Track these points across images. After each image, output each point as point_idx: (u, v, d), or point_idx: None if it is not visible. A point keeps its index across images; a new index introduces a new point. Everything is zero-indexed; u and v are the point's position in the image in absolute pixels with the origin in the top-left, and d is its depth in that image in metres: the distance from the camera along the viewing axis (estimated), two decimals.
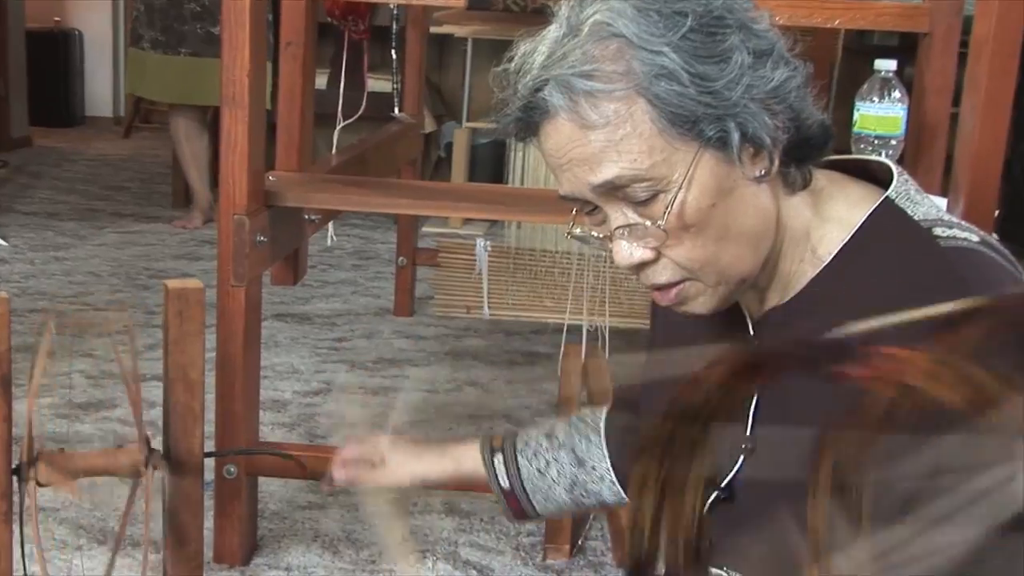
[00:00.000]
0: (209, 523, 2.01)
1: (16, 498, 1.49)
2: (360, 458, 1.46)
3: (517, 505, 1.36)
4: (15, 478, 1.48)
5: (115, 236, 4.72)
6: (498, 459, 1.38)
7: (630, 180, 0.94)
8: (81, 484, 1.84)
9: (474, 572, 2.10)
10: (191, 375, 1.57)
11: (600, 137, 0.93)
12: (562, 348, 2.81)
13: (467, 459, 1.39)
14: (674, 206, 0.94)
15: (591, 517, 2.25)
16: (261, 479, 2.22)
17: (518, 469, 1.35)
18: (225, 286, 1.98)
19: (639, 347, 1.48)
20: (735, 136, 0.94)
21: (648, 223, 0.95)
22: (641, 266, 0.98)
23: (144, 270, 4.20)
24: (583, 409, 1.43)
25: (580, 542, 2.22)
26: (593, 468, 1.35)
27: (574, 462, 1.35)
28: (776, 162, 0.97)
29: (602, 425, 1.37)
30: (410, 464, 1.41)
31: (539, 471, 1.36)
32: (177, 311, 1.56)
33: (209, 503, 2.04)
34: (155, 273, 4.15)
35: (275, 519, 2.29)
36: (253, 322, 2.05)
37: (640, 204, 0.95)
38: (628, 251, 0.97)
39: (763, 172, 0.97)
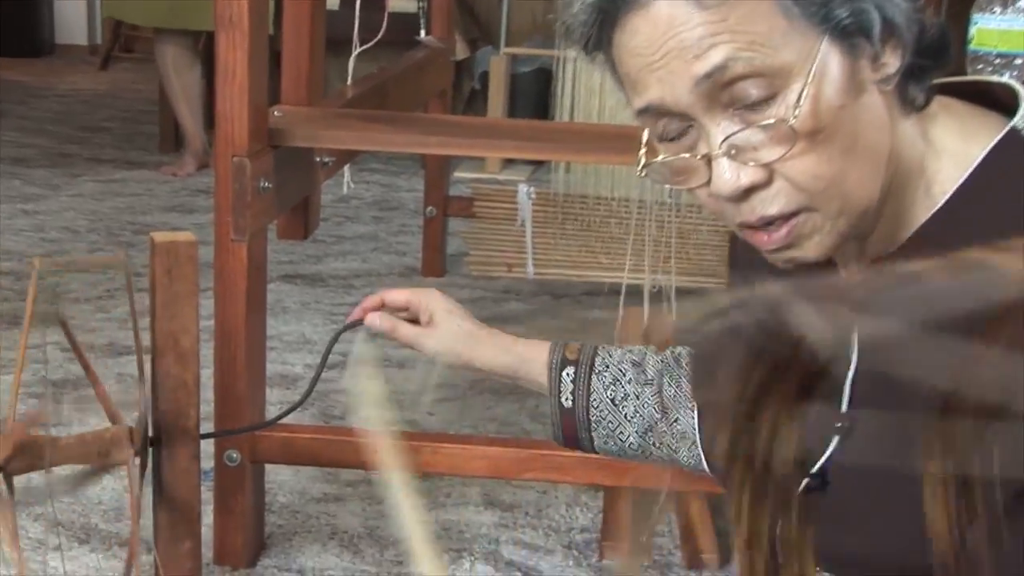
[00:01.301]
0: (209, 519, 2.03)
1: None
2: (406, 306, 1.43)
3: (572, 429, 1.35)
4: None
5: (93, 185, 4.76)
6: (568, 372, 1.36)
7: (744, 71, 0.91)
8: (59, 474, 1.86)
9: (518, 574, 2.11)
10: (183, 343, 1.59)
11: (710, 18, 0.90)
12: (620, 312, 2.81)
13: (531, 359, 1.37)
14: (805, 102, 0.91)
15: (656, 510, 2.25)
16: (268, 467, 2.24)
17: (588, 391, 1.34)
18: (224, 241, 2.00)
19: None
20: (874, 16, 0.93)
21: (765, 128, 0.92)
22: (748, 194, 0.95)
23: (128, 224, 4.23)
24: (681, 348, 1.40)
25: (644, 539, 2.23)
26: (676, 421, 1.34)
27: (658, 406, 1.34)
28: (905, 60, 0.95)
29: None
30: (463, 340, 1.38)
31: (612, 401, 1.34)
32: (165, 269, 1.57)
33: (208, 496, 2.06)
34: (141, 228, 4.18)
35: (285, 513, 2.31)
36: (257, 283, 2.07)
37: (751, 108, 0.92)
38: (734, 173, 0.94)
39: (889, 75, 0.95)
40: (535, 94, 4.97)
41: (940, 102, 1.02)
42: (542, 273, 3.32)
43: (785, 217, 0.95)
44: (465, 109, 5.17)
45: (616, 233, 3.27)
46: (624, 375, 1.35)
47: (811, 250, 0.98)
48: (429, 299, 1.44)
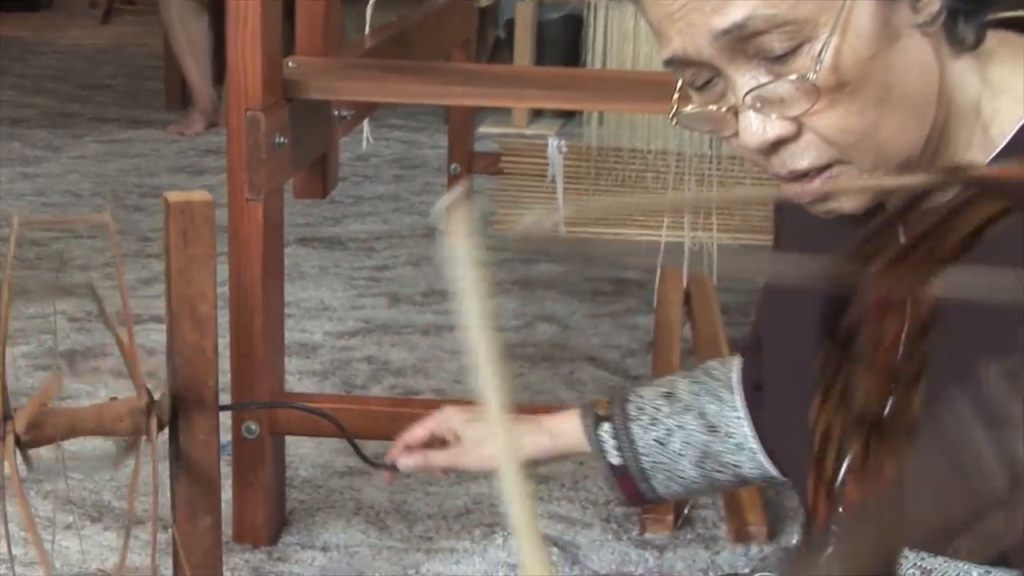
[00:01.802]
0: (227, 495, 2.05)
1: None
2: (428, 438, 1.50)
3: (631, 487, 1.37)
4: None
5: (97, 146, 4.78)
6: (605, 430, 1.38)
7: (766, 24, 0.91)
8: (68, 449, 1.88)
9: (555, 549, 2.13)
10: (201, 309, 1.60)
11: None
12: (658, 273, 2.82)
13: (566, 431, 1.41)
14: (826, 55, 0.91)
15: None
16: (289, 440, 2.26)
17: (631, 441, 1.36)
18: (238, 201, 2.01)
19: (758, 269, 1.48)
20: None
21: (790, 82, 0.93)
22: (776, 147, 0.96)
23: (135, 187, 4.26)
24: (709, 362, 1.43)
25: (686, 511, 2.24)
26: (729, 435, 1.35)
27: (704, 428, 1.35)
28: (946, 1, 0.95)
29: (735, 379, 1.37)
30: (492, 441, 1.41)
31: (658, 442, 1.35)
32: (180, 231, 1.58)
33: (226, 471, 2.08)
34: (148, 191, 4.21)
35: (307, 488, 2.33)
36: (274, 246, 2.08)
37: (776, 61, 0.93)
38: (760, 126, 0.95)
39: (931, 17, 0.95)
40: (564, 43, 4.97)
41: (1000, 38, 1.02)
42: (575, 232, 3.32)
43: (817, 170, 0.96)
44: (489, 60, 5.16)
45: (653, 188, 3.28)
46: (660, 411, 1.36)
47: (847, 203, 0.99)
48: (446, 420, 1.50)
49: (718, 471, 1.36)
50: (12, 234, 1.53)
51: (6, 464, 1.50)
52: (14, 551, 1.68)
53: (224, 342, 2.07)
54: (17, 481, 1.48)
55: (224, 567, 1.82)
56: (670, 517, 2.19)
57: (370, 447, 2.45)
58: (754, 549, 2.14)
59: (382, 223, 3.99)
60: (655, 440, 1.35)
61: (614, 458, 1.36)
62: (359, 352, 2.94)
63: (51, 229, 3.72)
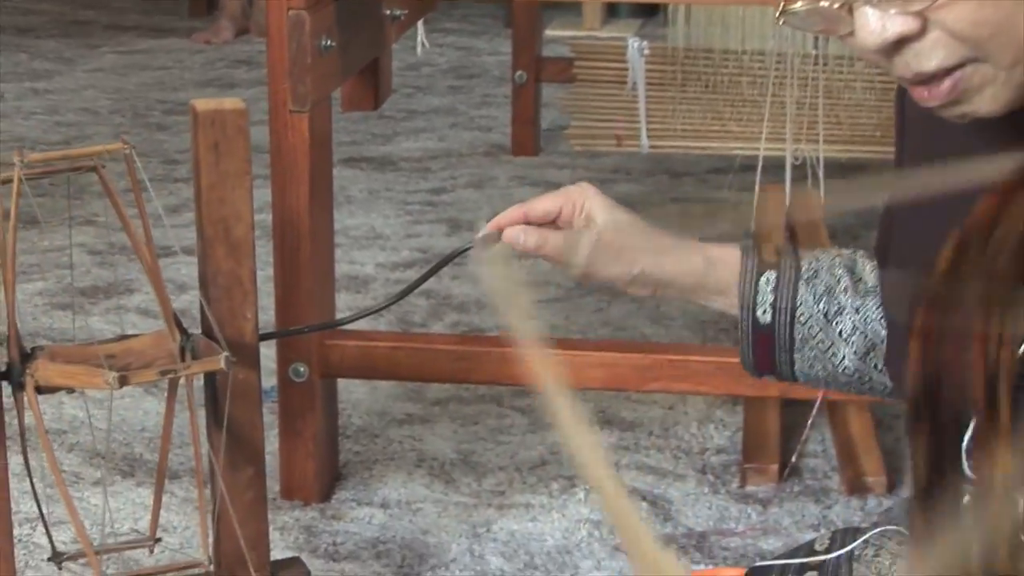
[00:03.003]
0: (273, 446, 2.06)
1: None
2: (554, 216, 1.37)
3: (767, 352, 1.33)
4: (6, 385, 1.53)
5: (115, 58, 4.80)
6: (767, 279, 1.32)
7: None
8: (93, 397, 1.90)
9: (643, 504, 2.12)
10: (236, 232, 1.59)
11: None
12: (756, 190, 2.79)
13: (721, 262, 1.33)
14: None
15: (808, 427, 2.25)
16: (341, 384, 2.27)
17: (793, 302, 1.31)
18: (280, 113, 2.00)
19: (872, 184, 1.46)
20: None
21: None
22: (899, 46, 0.95)
23: (158, 104, 4.27)
24: None
25: (793, 460, 2.23)
26: None
27: (883, 320, 1.30)
28: None
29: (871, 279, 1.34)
30: (634, 241, 1.32)
31: (825, 316, 1.32)
32: (211, 143, 1.58)
33: (272, 420, 2.09)
34: (173, 107, 4.22)
35: (363, 438, 2.34)
36: (322, 164, 2.08)
37: None
38: (880, 23, 0.94)
39: None
40: None
41: None
42: (658, 146, 3.30)
43: (946, 71, 0.95)
44: None
45: (749, 95, 3.24)
46: (839, 283, 1.31)
47: (984, 104, 0.97)
48: (584, 197, 1.37)
49: (878, 370, 1.32)
50: (16, 177, 1.52)
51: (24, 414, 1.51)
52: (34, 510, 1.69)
53: (267, 275, 2.08)
54: (43, 430, 1.49)
55: (272, 526, 1.83)
56: (775, 467, 2.18)
57: (431, 391, 2.47)
58: (871, 502, 2.12)
59: (438, 140, 3.98)
60: (822, 312, 1.31)
61: (764, 313, 1.32)
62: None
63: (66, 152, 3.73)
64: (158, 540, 1.60)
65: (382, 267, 3.04)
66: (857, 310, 1.31)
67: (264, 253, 2.05)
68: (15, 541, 1.61)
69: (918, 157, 1.20)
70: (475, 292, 2.90)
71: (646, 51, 3.26)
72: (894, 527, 1.41)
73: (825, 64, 3.05)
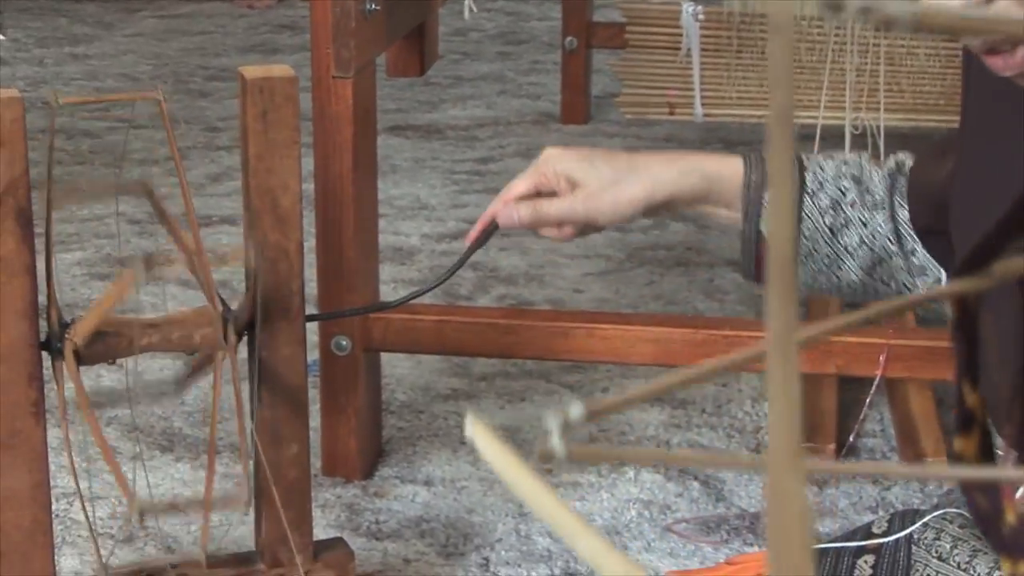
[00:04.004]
0: (316, 422, 2.07)
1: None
2: (535, 190, 1.44)
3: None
4: (45, 356, 1.54)
5: (155, 23, 4.81)
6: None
7: None
8: (133, 372, 1.90)
9: (695, 484, 2.12)
10: (283, 203, 1.60)
11: None
12: None
13: (724, 178, 1.36)
14: None
15: (867, 404, 2.24)
16: (385, 358, 2.27)
17: (798, 215, 1.33)
18: (323, 79, 2.00)
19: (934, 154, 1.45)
20: None
21: None
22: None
23: (200, 70, 4.28)
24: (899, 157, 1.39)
25: (851, 439, 2.22)
26: (913, 252, 1.32)
27: (891, 235, 1.33)
28: None
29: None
30: (628, 179, 1.38)
31: (831, 230, 1.34)
32: (260, 111, 1.58)
33: (315, 394, 2.10)
34: (215, 73, 4.23)
35: (407, 414, 2.34)
36: (366, 131, 2.08)
37: None
38: None
39: None
40: None
41: None
42: (713, 115, 3.28)
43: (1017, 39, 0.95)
44: None
45: (807, 61, 3.22)
46: (845, 196, 1.32)
47: None
48: (553, 163, 1.44)
49: (885, 284, 1.35)
50: (51, 116, 1.53)
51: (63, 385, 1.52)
52: (71, 484, 1.70)
53: (309, 246, 2.08)
54: (86, 400, 1.50)
55: (313, 504, 1.83)
56: (832, 446, 2.18)
57: (477, 366, 2.47)
58: (932, 484, 2.11)
59: (486, 108, 3.98)
60: (828, 227, 1.33)
61: (767, 226, 1.34)
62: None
63: (105, 118, 3.75)
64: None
65: (428, 238, 3.04)
66: (864, 223, 1.32)
67: (306, 223, 2.05)
68: (52, 516, 1.63)
69: (984, 125, 1.19)
70: (523, 264, 2.89)
71: (701, 16, 3.24)
72: (955, 509, 1.41)
73: (887, 29, 3.03)
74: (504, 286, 2.81)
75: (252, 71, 1.59)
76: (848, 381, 2.26)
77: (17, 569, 1.58)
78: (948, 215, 1.26)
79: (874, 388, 2.23)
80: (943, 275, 1.31)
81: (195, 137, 3.69)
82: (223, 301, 1.60)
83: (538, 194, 1.45)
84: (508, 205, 1.46)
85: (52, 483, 1.67)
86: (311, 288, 2.09)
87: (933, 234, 1.30)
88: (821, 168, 1.34)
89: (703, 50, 3.25)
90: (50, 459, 1.61)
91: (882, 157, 2.73)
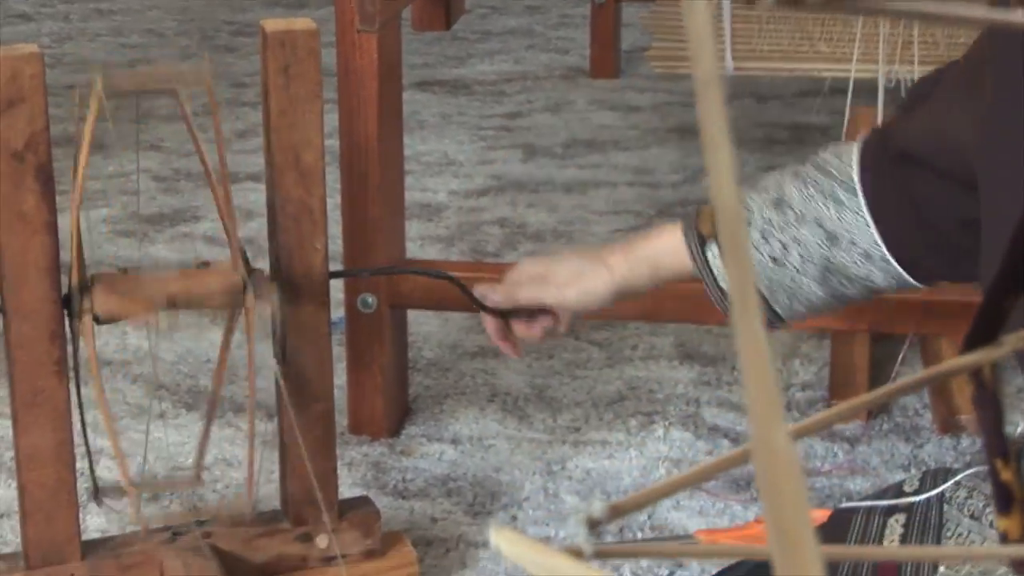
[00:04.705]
0: (341, 380, 2.06)
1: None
2: (513, 303, 1.64)
3: None
4: (65, 313, 1.54)
5: None
6: (713, 252, 1.44)
7: None
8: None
9: (725, 442, 2.11)
10: (306, 159, 1.60)
11: None
12: (846, 114, 2.76)
13: (668, 254, 1.48)
14: None
15: (898, 361, 2.23)
16: (411, 315, 2.26)
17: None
18: (347, 33, 1.99)
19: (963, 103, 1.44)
20: None
21: None
22: None
23: (225, 25, 4.27)
24: (820, 154, 1.47)
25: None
26: (853, 243, 1.39)
27: (824, 240, 1.39)
28: None
29: (855, 174, 1.40)
30: (585, 278, 1.54)
31: (774, 260, 1.40)
32: (282, 66, 1.58)
33: (340, 352, 2.09)
34: (240, 28, 4.21)
35: (433, 372, 2.34)
36: (391, 87, 2.07)
37: None
38: None
39: None
40: None
41: None
42: (743, 68, 3.26)
43: None
44: None
45: (840, 14, 3.20)
46: (771, 224, 1.39)
47: None
48: (522, 271, 1.64)
49: (844, 285, 1.41)
50: (93, 98, 1.52)
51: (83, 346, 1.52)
52: (95, 443, 1.71)
53: (334, 203, 2.08)
54: (95, 361, 1.49)
55: (339, 461, 1.83)
56: None
57: None
58: (964, 441, 2.10)
59: (514, 63, 3.96)
60: (770, 258, 1.40)
61: (725, 283, 1.38)
62: (490, 214, 2.93)
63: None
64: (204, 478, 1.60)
65: (455, 195, 3.03)
66: (797, 241, 1.38)
67: (332, 180, 2.04)
68: (78, 474, 1.63)
69: (1008, 85, 1.18)
70: (551, 220, 2.88)
71: None
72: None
73: None
74: (532, 242, 2.80)
75: (273, 24, 1.58)
76: (880, 338, 2.24)
77: (42, 528, 1.58)
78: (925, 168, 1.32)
79: (907, 345, 2.22)
80: (888, 253, 1.37)
81: (221, 93, 3.67)
82: (246, 258, 1.60)
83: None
84: (485, 286, 1.67)
85: (78, 441, 1.67)
86: (336, 245, 2.09)
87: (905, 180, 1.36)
88: (748, 209, 1.40)
89: (734, 2, 3.23)
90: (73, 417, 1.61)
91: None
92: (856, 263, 1.39)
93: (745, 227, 0.42)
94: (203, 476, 1.64)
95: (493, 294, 1.64)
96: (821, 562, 0.42)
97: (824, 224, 1.39)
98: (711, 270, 1.45)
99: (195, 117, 1.57)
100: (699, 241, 1.45)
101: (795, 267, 1.40)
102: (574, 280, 1.57)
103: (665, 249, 1.50)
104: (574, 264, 1.59)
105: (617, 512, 0.47)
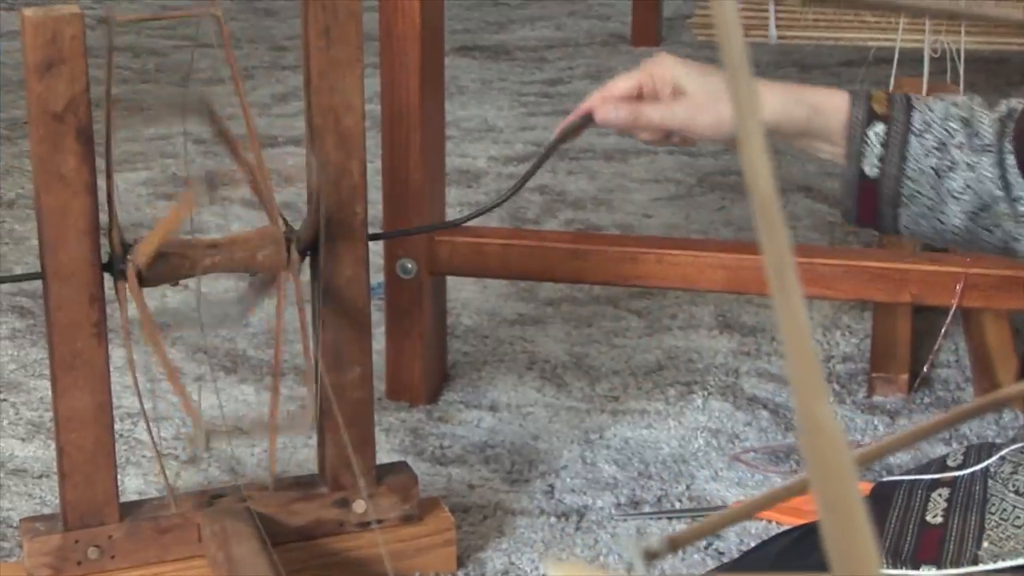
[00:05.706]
0: (380, 345, 2.06)
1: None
2: (637, 91, 1.43)
3: (872, 206, 1.34)
4: (108, 277, 1.54)
5: None
6: (877, 132, 1.34)
7: None
8: (194, 293, 1.90)
9: (764, 413, 2.10)
10: (346, 122, 1.59)
11: None
12: (891, 84, 2.74)
13: (828, 112, 1.36)
14: None
15: (941, 335, 2.21)
16: (451, 282, 2.26)
17: (903, 157, 1.32)
18: None
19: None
20: None
21: None
22: None
23: None
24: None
25: (924, 370, 2.19)
26: (1020, 200, 1.31)
27: (998, 180, 1.31)
28: None
29: None
30: (724, 104, 1.35)
31: (936, 172, 1.32)
32: (322, 28, 1.57)
33: (379, 317, 2.09)
34: None
35: (472, 339, 2.33)
36: (433, 51, 2.06)
37: None
38: None
39: None
40: None
41: None
42: (787, 37, 3.24)
43: None
44: None
45: None
46: (953, 138, 1.31)
47: None
48: (664, 67, 1.42)
49: (989, 232, 1.33)
50: (108, 35, 1.52)
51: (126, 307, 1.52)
52: (135, 404, 1.70)
53: (375, 167, 2.07)
54: (150, 321, 1.50)
55: (377, 427, 1.83)
56: (904, 377, 2.15)
57: (544, 290, 2.46)
58: (1007, 416, 2.09)
59: (555, 29, 3.95)
60: (932, 168, 1.32)
61: (871, 167, 1.33)
62: (530, 181, 2.91)
63: (171, 36, 3.75)
64: None
65: (495, 161, 3.02)
66: (971, 167, 1.30)
67: (373, 145, 2.04)
68: (116, 436, 1.63)
69: None
70: (591, 188, 2.87)
71: None
72: None
73: None
74: (572, 210, 2.79)
75: None
76: (922, 310, 2.23)
77: (80, 489, 1.59)
78: None
79: (949, 318, 2.20)
80: None
81: (260, 56, 3.68)
82: (286, 221, 1.60)
83: (638, 96, 1.43)
84: (608, 102, 1.44)
85: (116, 403, 1.67)
86: (377, 211, 2.09)
87: None
88: (929, 109, 1.32)
89: None
90: (113, 379, 1.61)
91: (961, 82, 2.69)
92: (1017, 218, 1.32)
93: (779, 207, 0.41)
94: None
95: (617, 109, 1.43)
96: (872, 538, 0.41)
97: (1006, 167, 1.31)
98: (865, 145, 1.33)
99: (231, 82, 1.57)
100: (867, 115, 1.34)
101: (953, 190, 1.31)
102: (710, 103, 1.39)
103: (831, 104, 1.36)
104: (715, 84, 1.39)
105: (675, 544, 0.46)
